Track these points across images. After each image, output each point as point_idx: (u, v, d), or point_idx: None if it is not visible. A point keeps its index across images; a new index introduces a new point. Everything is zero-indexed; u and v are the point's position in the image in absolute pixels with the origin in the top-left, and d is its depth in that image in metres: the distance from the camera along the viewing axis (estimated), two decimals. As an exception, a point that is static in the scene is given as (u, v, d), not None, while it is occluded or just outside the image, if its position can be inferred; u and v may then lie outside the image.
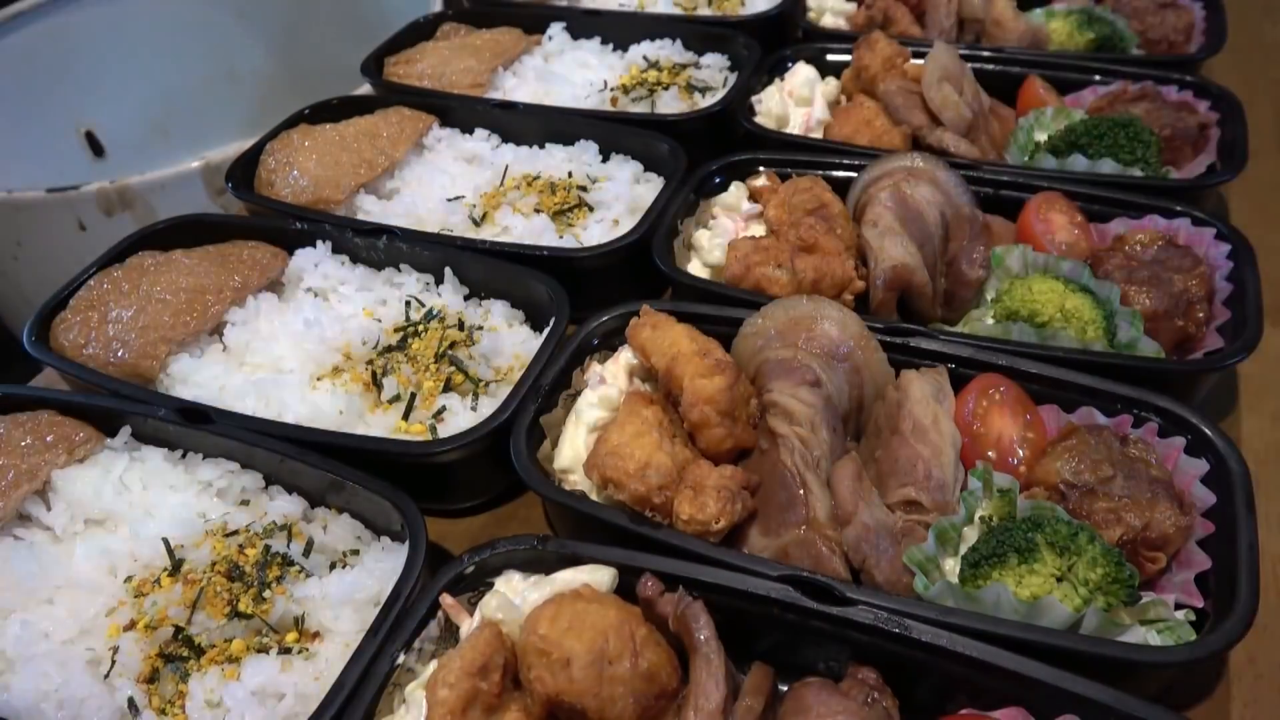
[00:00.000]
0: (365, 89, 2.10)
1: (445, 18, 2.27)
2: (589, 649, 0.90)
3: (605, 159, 1.82)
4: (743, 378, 1.19)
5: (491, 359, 1.42)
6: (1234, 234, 1.42)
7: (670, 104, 1.93)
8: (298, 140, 1.82)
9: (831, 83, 1.88)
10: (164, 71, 3.09)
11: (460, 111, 1.93)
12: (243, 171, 1.79)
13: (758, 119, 1.80)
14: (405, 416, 1.33)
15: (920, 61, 1.75)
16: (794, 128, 1.80)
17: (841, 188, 1.52)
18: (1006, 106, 1.83)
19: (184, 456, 1.30)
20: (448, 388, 1.37)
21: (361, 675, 0.98)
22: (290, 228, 1.64)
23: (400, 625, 1.01)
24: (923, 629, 0.95)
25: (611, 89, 2.00)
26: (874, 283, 1.38)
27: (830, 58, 1.95)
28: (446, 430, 1.32)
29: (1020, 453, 1.17)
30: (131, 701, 1.05)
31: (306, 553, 1.17)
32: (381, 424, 1.34)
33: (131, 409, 1.32)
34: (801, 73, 1.85)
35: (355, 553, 1.19)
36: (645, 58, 2.08)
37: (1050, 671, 0.90)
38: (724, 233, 1.55)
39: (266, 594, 1.11)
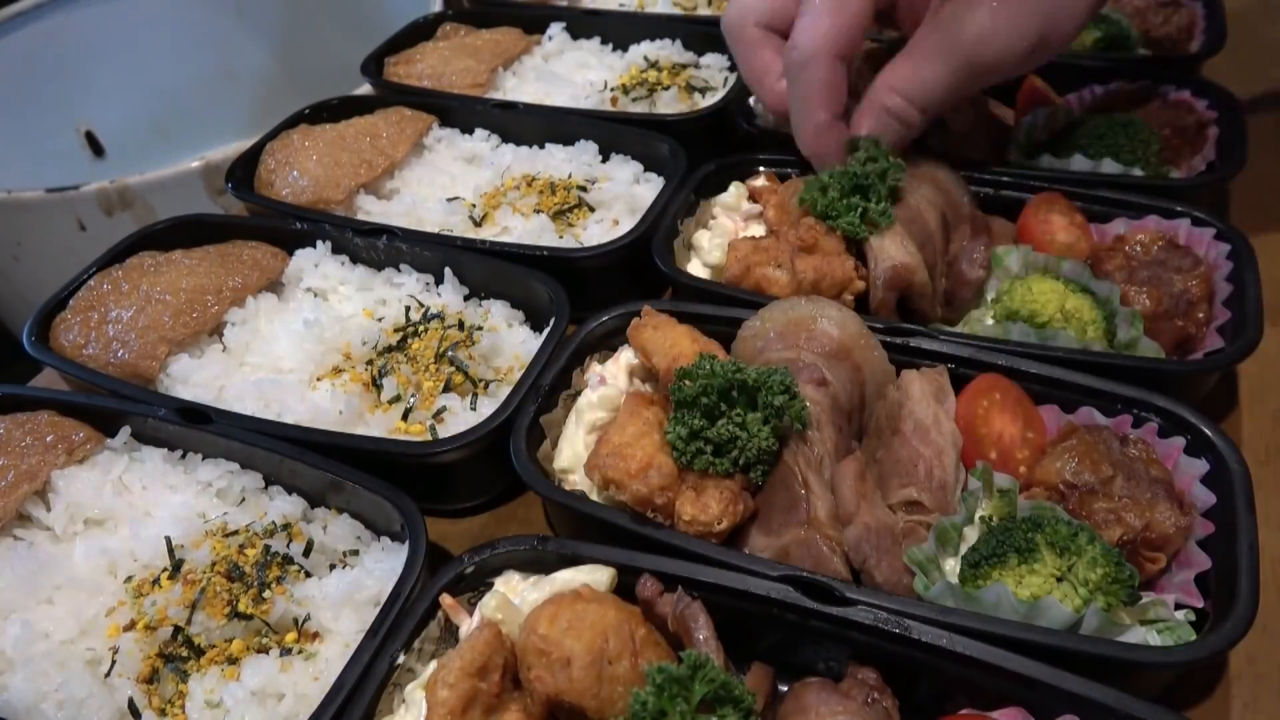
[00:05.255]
0: (365, 89, 2.10)
1: (445, 18, 2.27)
2: (589, 649, 0.90)
3: (605, 159, 1.81)
4: (743, 378, 1.19)
5: (491, 359, 1.42)
6: (1234, 234, 1.42)
7: (670, 104, 1.93)
8: (298, 140, 1.82)
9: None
10: (164, 71, 3.10)
11: (460, 111, 1.93)
12: (243, 171, 1.79)
13: (757, 120, 1.79)
14: (405, 417, 1.33)
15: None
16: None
17: (841, 188, 1.52)
18: (1006, 107, 1.83)
19: (184, 457, 1.30)
20: (447, 388, 1.37)
21: (361, 675, 0.98)
22: (290, 228, 1.64)
23: (400, 625, 1.01)
24: (923, 629, 0.95)
25: (611, 89, 2.00)
26: (874, 283, 1.38)
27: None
28: (446, 430, 1.32)
29: (1020, 453, 1.17)
30: (131, 702, 1.05)
31: (306, 553, 1.17)
32: (381, 424, 1.34)
33: (131, 409, 1.32)
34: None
35: (355, 553, 1.19)
36: (645, 58, 2.08)
37: (1050, 671, 0.90)
38: (724, 233, 1.54)
39: (266, 594, 1.11)
